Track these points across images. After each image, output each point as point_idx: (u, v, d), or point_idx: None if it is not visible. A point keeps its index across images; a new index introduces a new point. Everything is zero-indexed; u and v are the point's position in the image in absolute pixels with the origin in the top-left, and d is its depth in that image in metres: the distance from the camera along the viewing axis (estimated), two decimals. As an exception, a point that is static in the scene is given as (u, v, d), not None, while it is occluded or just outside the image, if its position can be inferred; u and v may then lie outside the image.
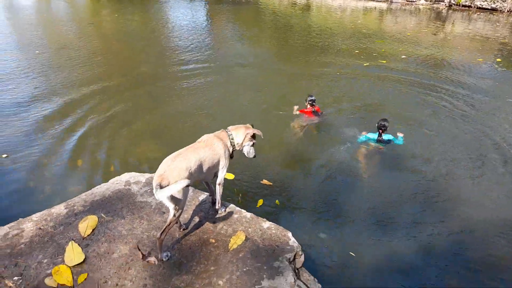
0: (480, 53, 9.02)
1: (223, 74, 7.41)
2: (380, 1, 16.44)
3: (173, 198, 2.07)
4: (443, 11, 14.32)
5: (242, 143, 2.42)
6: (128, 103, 5.91)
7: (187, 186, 2.04)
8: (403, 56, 8.69)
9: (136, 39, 10.16)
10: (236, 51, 9.22)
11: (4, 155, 4.22)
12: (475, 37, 10.53)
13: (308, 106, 5.41)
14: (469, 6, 14.14)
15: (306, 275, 2.35)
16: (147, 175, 3.05)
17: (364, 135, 4.87)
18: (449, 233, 3.41)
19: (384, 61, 8.28)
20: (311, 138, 5.17)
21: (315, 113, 5.44)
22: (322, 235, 3.32)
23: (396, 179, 4.25)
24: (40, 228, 2.42)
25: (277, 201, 3.68)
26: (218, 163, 2.37)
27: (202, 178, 2.35)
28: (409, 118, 5.60)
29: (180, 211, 2.15)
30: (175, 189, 1.98)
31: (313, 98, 5.41)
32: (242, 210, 2.68)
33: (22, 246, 2.28)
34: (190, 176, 2.12)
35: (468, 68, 7.89)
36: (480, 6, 13.90)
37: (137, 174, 3.08)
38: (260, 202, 3.62)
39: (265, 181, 3.95)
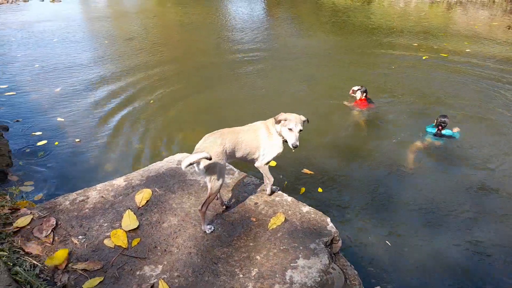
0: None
1: (277, 64, 7.53)
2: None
3: (207, 170, 2.22)
4: (522, 2, 13.09)
5: (279, 131, 2.44)
6: (186, 89, 6.26)
7: (209, 159, 2.14)
8: (467, 50, 8.15)
9: (196, 30, 10.60)
10: (293, 43, 9.26)
11: (77, 140, 4.69)
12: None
13: (360, 96, 5.43)
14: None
15: (342, 261, 2.40)
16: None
17: (427, 127, 4.78)
18: (507, 237, 3.22)
19: (446, 55, 7.83)
20: (361, 129, 5.13)
21: (369, 101, 5.50)
22: (362, 224, 3.32)
23: (450, 175, 4.09)
24: (102, 197, 2.71)
25: (319, 189, 3.73)
26: (258, 147, 2.47)
27: (241, 159, 2.47)
28: (470, 112, 5.32)
29: (216, 184, 2.29)
30: (194, 158, 2.12)
31: (364, 88, 5.41)
32: (284, 194, 2.78)
33: (87, 210, 2.57)
34: (224, 154, 2.28)
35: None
36: None
37: (188, 154, 3.22)
38: (303, 190, 3.70)
39: (306, 170, 4.00)
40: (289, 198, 2.72)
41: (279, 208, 2.62)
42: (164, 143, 4.65)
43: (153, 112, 5.44)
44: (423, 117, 5.12)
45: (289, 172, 3.98)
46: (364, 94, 5.38)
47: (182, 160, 2.19)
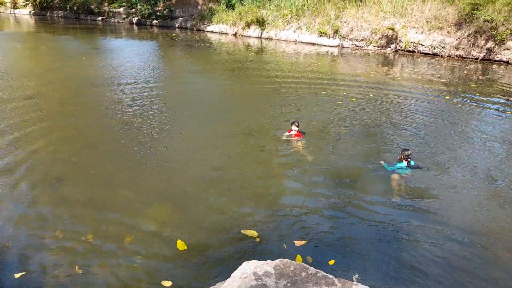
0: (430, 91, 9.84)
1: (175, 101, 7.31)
2: (332, 46, 17.63)
3: None
4: (390, 55, 15.63)
5: None
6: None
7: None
8: (371, 95, 9.20)
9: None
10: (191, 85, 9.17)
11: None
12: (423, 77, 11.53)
13: (294, 128, 6.23)
14: (413, 51, 15.59)
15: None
16: (272, 263, 2.37)
17: (396, 164, 5.16)
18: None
19: (354, 99, 8.69)
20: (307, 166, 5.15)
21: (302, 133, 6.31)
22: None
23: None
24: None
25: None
26: None
27: None
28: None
29: None
30: None
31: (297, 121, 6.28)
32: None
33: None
34: None
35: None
36: (423, 51, 15.39)
37: (260, 262, 2.37)
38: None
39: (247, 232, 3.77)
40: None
41: None
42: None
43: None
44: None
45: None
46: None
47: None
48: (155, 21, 27.31)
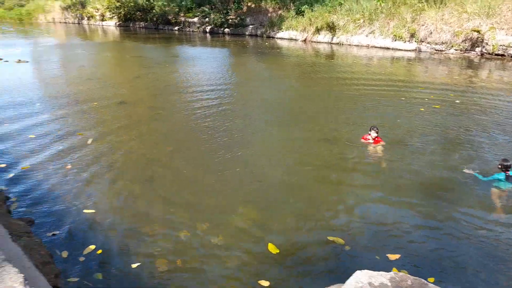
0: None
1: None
2: (409, 50, 16.82)
3: None
4: (475, 59, 14.49)
5: None
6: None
7: None
8: (457, 101, 8.63)
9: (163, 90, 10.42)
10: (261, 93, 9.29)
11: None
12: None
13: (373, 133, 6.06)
14: (502, 55, 14.30)
15: None
16: (386, 275, 2.30)
17: (494, 175, 4.81)
18: None
19: (438, 106, 8.21)
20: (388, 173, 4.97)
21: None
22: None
23: None
24: None
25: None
26: None
27: None
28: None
29: None
30: None
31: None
32: None
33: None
34: None
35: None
36: (513, 54, 14.07)
37: (373, 272, 2.32)
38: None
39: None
40: None
41: None
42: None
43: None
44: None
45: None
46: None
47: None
48: (227, 29, 28.35)
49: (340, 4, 21.49)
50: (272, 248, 3.58)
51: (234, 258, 3.53)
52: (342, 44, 19.98)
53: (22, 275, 1.67)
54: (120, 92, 10.12)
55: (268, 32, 25.56)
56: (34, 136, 6.52)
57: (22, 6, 48.07)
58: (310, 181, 5.16)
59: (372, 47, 18.54)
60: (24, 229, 3.40)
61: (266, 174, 5.34)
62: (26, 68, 13.80)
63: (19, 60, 14.83)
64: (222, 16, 28.36)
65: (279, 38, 24.32)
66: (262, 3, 27.33)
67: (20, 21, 45.02)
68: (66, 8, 42.22)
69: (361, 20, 19.97)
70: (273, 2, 26.59)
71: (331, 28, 21.01)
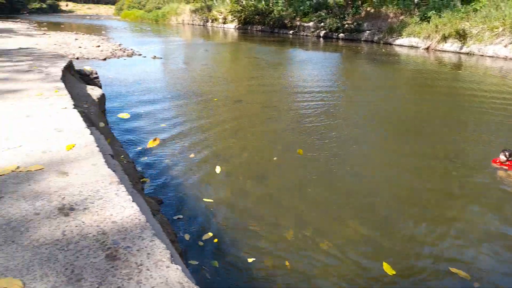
0: None
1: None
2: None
3: None
4: None
5: None
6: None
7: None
8: None
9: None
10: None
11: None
12: None
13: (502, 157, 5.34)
14: None
15: None
16: None
17: None
18: None
19: None
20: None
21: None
22: None
23: None
24: None
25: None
26: None
27: None
28: None
29: None
30: None
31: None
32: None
33: None
34: None
35: None
36: None
37: None
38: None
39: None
40: None
41: None
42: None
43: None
44: None
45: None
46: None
47: None
48: (341, 35, 27.87)
49: (476, 10, 19.28)
50: (387, 268, 3.38)
51: (345, 270, 3.43)
52: (473, 54, 17.93)
53: (169, 251, 1.85)
54: (237, 91, 10.75)
55: (386, 38, 24.35)
56: (164, 125, 7.33)
57: (159, 8, 54.60)
58: (429, 203, 4.73)
59: (511, 59, 16.20)
60: (155, 207, 3.83)
61: (378, 190, 5.07)
62: (160, 63, 15.62)
63: (154, 57, 16.85)
64: (338, 21, 27.98)
65: (398, 45, 22.96)
66: (383, 8, 26.13)
67: (156, 22, 51.24)
68: (195, 11, 46.57)
69: (500, 29, 17.61)
70: (395, 7, 25.21)
71: (461, 36, 19.02)
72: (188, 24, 47.58)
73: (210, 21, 43.81)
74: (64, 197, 2.24)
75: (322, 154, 6.13)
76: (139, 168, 5.31)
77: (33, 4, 72.79)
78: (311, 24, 31.18)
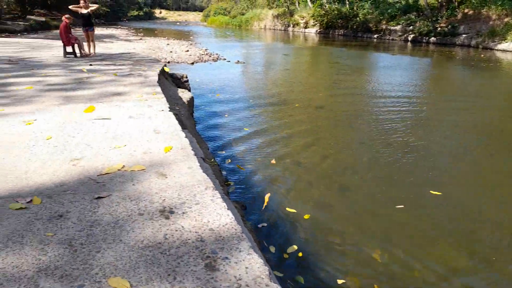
0: None
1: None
2: None
3: None
4: None
5: None
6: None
7: None
8: None
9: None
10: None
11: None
12: None
13: None
14: None
15: None
16: None
17: None
18: None
19: None
20: None
21: None
22: None
23: None
24: None
25: None
26: None
27: None
28: None
29: None
30: None
31: None
32: None
33: None
34: None
35: None
36: None
37: None
38: None
39: None
40: None
41: None
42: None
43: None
44: None
45: None
46: None
47: None
48: (432, 38, 25.89)
49: None
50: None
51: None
52: None
53: (267, 267, 1.77)
54: (319, 96, 10.54)
55: (486, 42, 22.03)
56: (247, 129, 7.44)
57: (243, 14, 56.44)
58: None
59: None
60: (240, 213, 3.85)
61: (477, 216, 4.50)
62: (243, 68, 16.05)
63: (238, 61, 17.37)
64: (429, 24, 26.07)
65: (501, 50, 20.59)
66: (484, 10, 23.68)
67: (239, 27, 53.02)
68: (277, 16, 47.17)
69: None
70: (499, 8, 22.67)
71: None
72: (270, 29, 48.38)
73: (292, 25, 43.98)
74: (164, 199, 2.33)
75: (414, 169, 5.67)
76: (223, 172, 5.44)
77: (132, 12, 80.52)
78: (398, 27, 29.51)
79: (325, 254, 3.68)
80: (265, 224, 4.05)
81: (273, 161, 5.92)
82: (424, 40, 26.45)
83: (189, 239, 1.92)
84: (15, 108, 4.51)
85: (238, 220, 2.20)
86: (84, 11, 10.48)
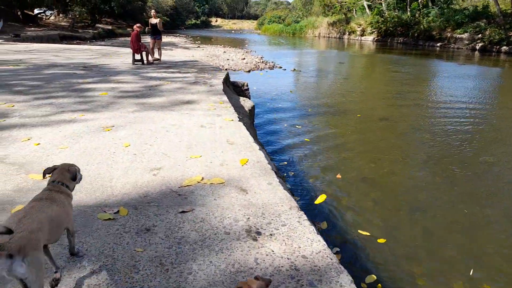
0: None
1: None
2: None
3: None
4: None
5: None
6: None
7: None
8: None
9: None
10: None
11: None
12: None
13: None
14: None
15: None
16: None
17: None
18: None
19: None
20: None
21: None
22: None
23: None
24: None
25: None
26: None
27: None
28: None
29: None
30: None
31: None
32: None
33: None
34: None
35: None
36: None
37: None
38: None
39: None
40: None
41: None
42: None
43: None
44: None
45: None
46: None
47: None
48: (504, 47, 23.97)
49: None
50: None
51: None
52: None
53: None
54: (381, 107, 10.07)
55: None
56: (308, 140, 7.25)
57: (297, 22, 56.36)
58: None
59: None
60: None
61: None
62: (299, 76, 15.88)
63: (294, 69, 17.24)
64: (501, 32, 24.18)
65: None
66: None
67: (293, 35, 52.99)
68: (332, 24, 46.49)
69: None
70: None
71: None
72: (324, 37, 47.76)
73: (347, 33, 43.08)
74: (249, 218, 2.22)
75: (492, 190, 5.15)
76: (288, 185, 5.29)
77: (189, 21, 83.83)
78: (465, 35, 27.69)
79: (406, 286, 3.38)
80: (338, 249, 3.82)
81: (339, 176, 5.66)
82: (494, 49, 24.54)
83: (282, 266, 1.79)
84: (93, 114, 4.72)
85: (329, 247, 2.03)
86: (154, 21, 10.99)
